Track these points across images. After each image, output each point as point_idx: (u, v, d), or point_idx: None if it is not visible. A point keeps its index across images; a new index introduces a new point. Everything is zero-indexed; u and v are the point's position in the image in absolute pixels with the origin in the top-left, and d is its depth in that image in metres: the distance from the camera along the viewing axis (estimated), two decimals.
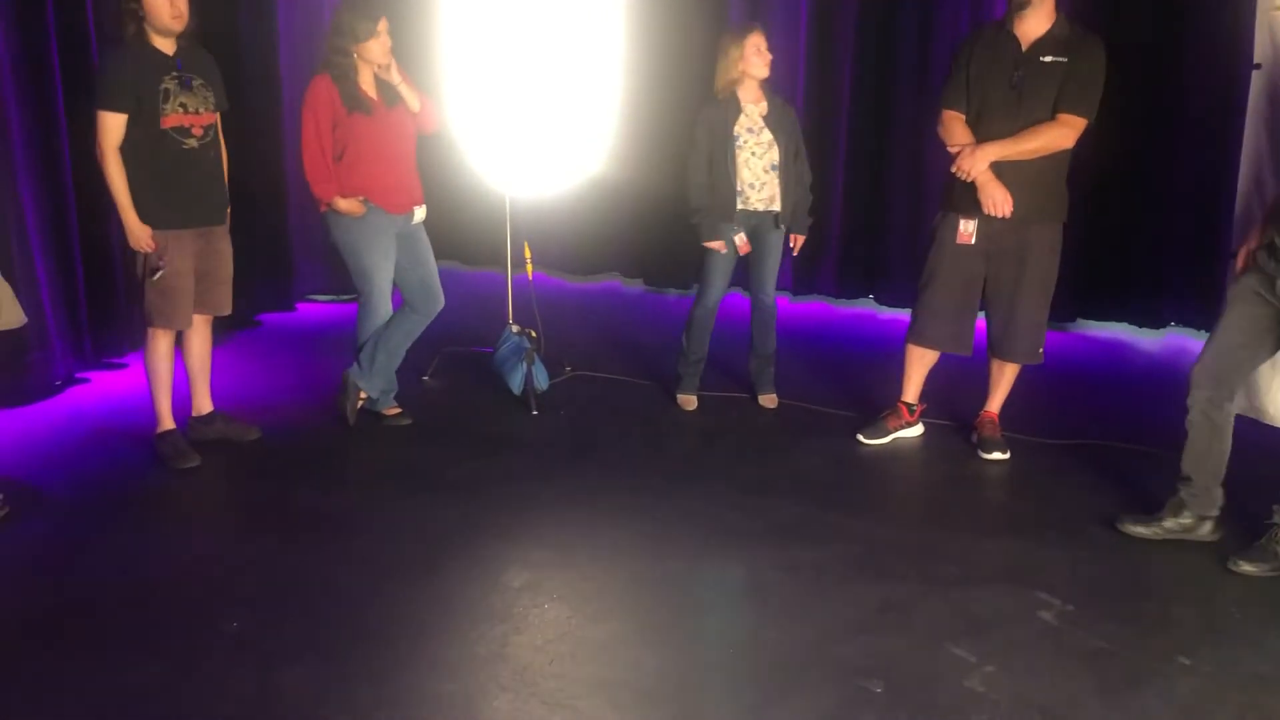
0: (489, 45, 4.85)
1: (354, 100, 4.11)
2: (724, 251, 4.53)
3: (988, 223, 4.02)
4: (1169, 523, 3.52)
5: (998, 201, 3.86)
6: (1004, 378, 4.29)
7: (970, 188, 4.00)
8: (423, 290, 4.41)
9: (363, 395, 4.43)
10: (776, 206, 4.52)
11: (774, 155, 4.47)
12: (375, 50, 4.12)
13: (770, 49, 4.46)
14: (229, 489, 4.02)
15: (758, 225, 4.57)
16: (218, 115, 4.01)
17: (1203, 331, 5.70)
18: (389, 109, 4.21)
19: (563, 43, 4.86)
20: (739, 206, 4.48)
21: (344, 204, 4.15)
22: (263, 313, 6.10)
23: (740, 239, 4.52)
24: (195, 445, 4.13)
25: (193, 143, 3.88)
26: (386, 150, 4.21)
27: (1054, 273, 4.11)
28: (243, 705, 2.63)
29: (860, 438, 4.42)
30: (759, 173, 4.48)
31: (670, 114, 6.08)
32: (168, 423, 4.11)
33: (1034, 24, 3.88)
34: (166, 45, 3.81)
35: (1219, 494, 3.47)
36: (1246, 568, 3.27)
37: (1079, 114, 3.83)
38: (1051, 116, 3.86)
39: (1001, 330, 4.16)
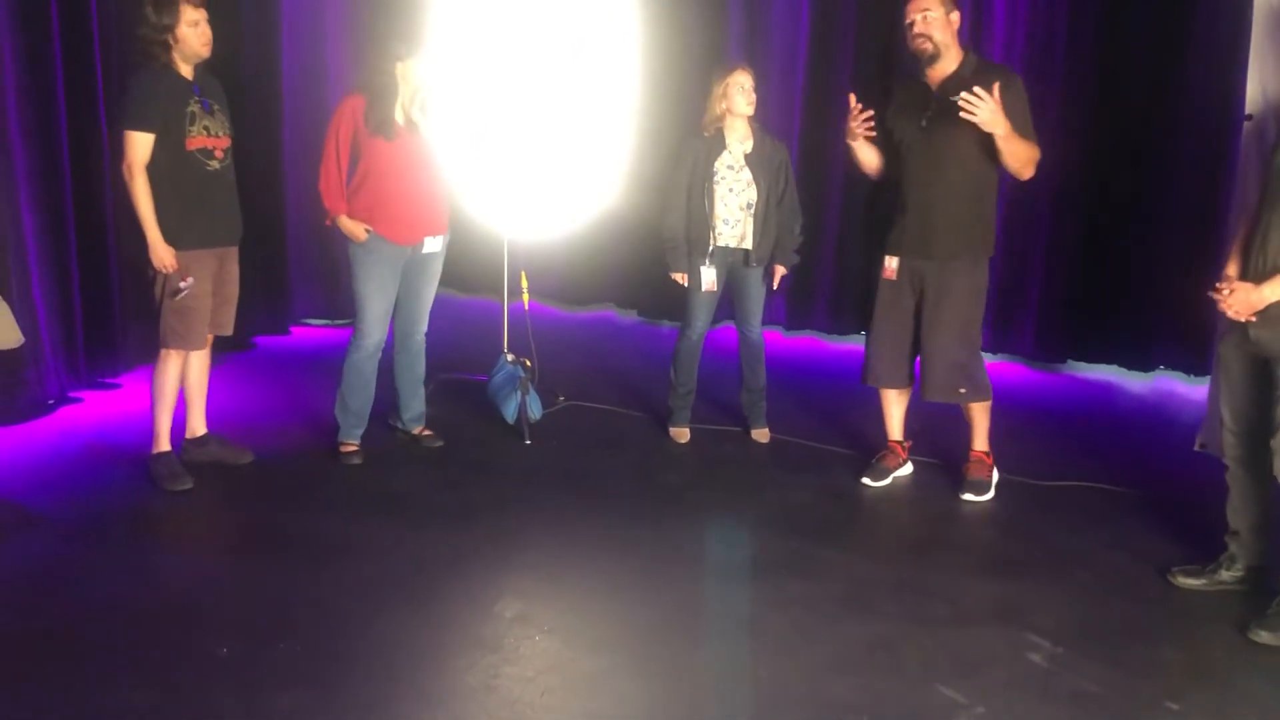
0: (487, 85, 4.90)
1: (379, 122, 4.15)
2: (685, 284, 4.60)
3: (911, 260, 4.12)
4: (1223, 574, 3.53)
5: None
6: (974, 415, 4.30)
7: (896, 227, 4.15)
8: (404, 319, 4.47)
9: (350, 446, 4.42)
10: (748, 244, 4.57)
11: (751, 195, 4.53)
12: (416, 70, 4.17)
13: (762, 88, 4.52)
14: (221, 512, 4.01)
15: (732, 262, 4.62)
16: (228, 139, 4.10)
17: (1191, 376, 5.76)
18: (413, 136, 4.24)
19: (561, 79, 4.91)
20: (711, 243, 4.53)
21: (348, 224, 4.19)
22: (257, 335, 6.10)
23: (709, 278, 4.56)
24: (188, 467, 4.12)
25: (215, 164, 3.97)
26: (401, 176, 4.23)
27: (975, 310, 4.15)
28: None
29: (865, 481, 4.41)
30: (734, 210, 4.54)
31: (666, 148, 6.12)
32: (165, 444, 4.12)
33: (941, 68, 4.01)
34: (188, 71, 3.92)
35: (1266, 545, 3.48)
36: (1265, 637, 3.20)
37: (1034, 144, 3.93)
38: (963, 152, 3.95)
39: (925, 366, 4.21)
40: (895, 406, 4.44)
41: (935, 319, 4.12)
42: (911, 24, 3.97)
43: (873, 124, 4.11)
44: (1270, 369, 3.24)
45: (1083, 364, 6.19)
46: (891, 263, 4.19)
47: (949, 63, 4.00)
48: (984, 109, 3.74)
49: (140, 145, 3.81)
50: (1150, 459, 4.72)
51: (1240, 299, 3.20)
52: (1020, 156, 3.89)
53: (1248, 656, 3.14)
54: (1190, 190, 5.64)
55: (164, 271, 3.90)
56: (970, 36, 6.01)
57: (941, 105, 3.95)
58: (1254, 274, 3.23)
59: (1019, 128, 3.86)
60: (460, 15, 4.95)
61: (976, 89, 3.76)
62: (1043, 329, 6.10)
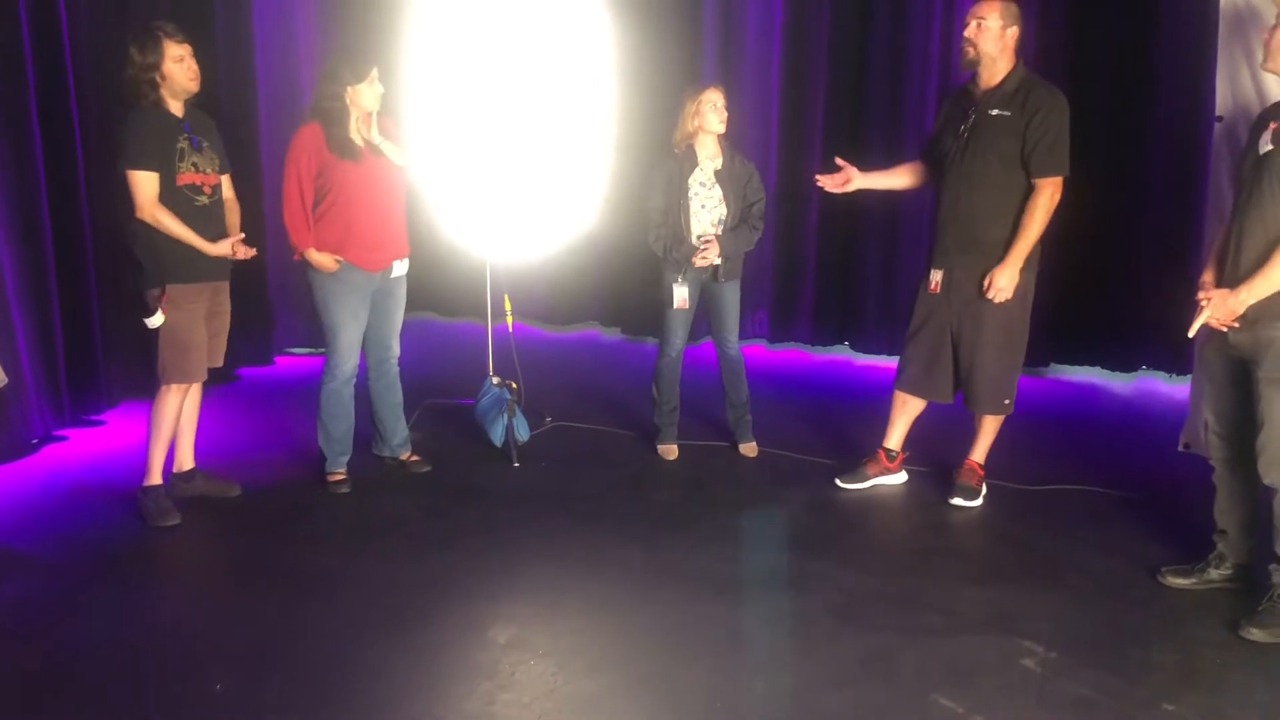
0: (464, 106, 4.91)
1: (342, 145, 4.15)
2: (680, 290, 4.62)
3: (952, 273, 4.12)
4: (1213, 573, 3.56)
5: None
6: (983, 426, 4.33)
7: (940, 239, 4.13)
8: (377, 345, 4.47)
9: (338, 475, 4.42)
10: (718, 261, 4.59)
11: (722, 211, 4.56)
12: (367, 96, 4.17)
13: (738, 107, 4.56)
14: (210, 547, 3.99)
15: (704, 279, 4.64)
16: (222, 177, 4.13)
17: (1172, 375, 5.81)
18: (375, 158, 4.25)
19: (538, 100, 4.93)
20: (685, 260, 4.56)
21: (317, 257, 4.18)
22: (241, 367, 6.08)
23: (681, 294, 4.58)
24: (175, 502, 4.11)
25: (204, 200, 4.01)
26: (370, 200, 4.23)
27: (1020, 323, 4.15)
28: None
29: (838, 482, 4.47)
30: (707, 226, 4.57)
31: (644, 165, 6.15)
32: (156, 477, 4.11)
33: (986, 79, 4.03)
34: (177, 108, 3.96)
35: (1253, 544, 3.50)
36: (1257, 634, 3.22)
37: (1049, 174, 3.92)
38: (999, 166, 3.97)
39: (965, 379, 4.23)
40: (904, 415, 4.44)
41: (979, 331, 4.12)
42: (966, 28, 4.01)
43: (845, 183, 4.29)
44: (1250, 371, 3.27)
45: (1066, 366, 6.24)
46: (936, 275, 4.18)
47: (995, 74, 4.02)
48: (999, 292, 3.95)
49: (146, 184, 3.85)
50: (1135, 460, 4.76)
51: (1220, 306, 3.23)
52: (1041, 226, 3.96)
53: (1240, 655, 3.16)
54: (1165, 192, 5.71)
55: (150, 302, 3.94)
56: (940, 47, 6.10)
57: (980, 119, 3.98)
58: (1230, 279, 3.27)
59: (1043, 150, 3.89)
60: (436, 38, 4.97)
61: (989, 284, 3.95)
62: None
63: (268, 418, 5.38)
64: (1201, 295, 3.32)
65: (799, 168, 6.47)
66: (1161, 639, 3.25)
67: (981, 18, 3.97)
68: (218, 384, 5.63)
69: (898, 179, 4.44)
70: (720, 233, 4.54)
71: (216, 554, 3.95)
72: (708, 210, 4.56)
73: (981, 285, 4.04)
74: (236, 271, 4.22)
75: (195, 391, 4.23)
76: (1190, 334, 3.33)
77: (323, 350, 4.38)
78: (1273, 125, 3.25)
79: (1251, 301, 3.18)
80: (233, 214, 4.19)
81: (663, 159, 4.63)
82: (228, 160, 4.18)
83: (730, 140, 4.64)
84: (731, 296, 4.71)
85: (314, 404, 4.41)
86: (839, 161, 4.33)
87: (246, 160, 5.98)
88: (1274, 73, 3.34)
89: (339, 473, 4.42)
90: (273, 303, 6.36)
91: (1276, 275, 3.13)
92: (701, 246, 4.51)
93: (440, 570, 3.67)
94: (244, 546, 3.92)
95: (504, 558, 3.79)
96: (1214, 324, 3.28)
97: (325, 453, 4.42)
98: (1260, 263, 3.17)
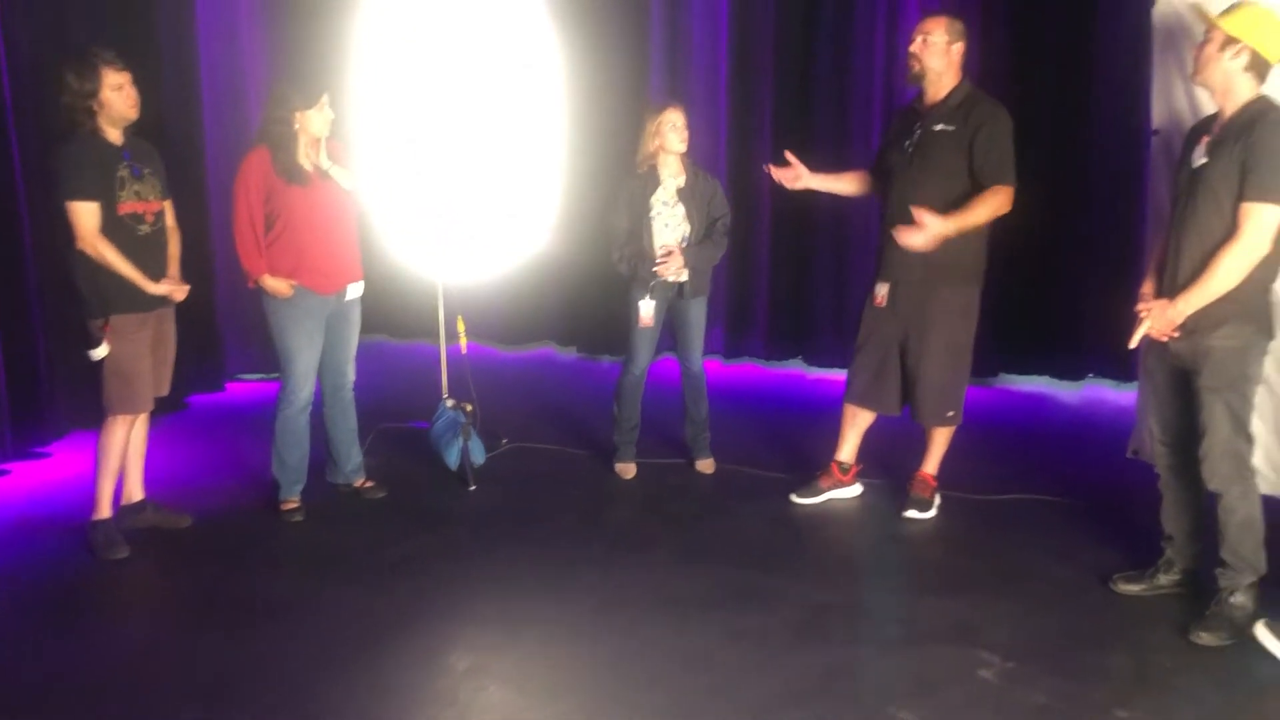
0: (414, 129, 4.90)
1: (290, 170, 4.11)
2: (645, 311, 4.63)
3: (897, 286, 4.17)
4: (1162, 579, 3.62)
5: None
6: (934, 438, 4.38)
7: (885, 252, 4.19)
8: (331, 370, 4.43)
9: (292, 503, 4.38)
10: (684, 277, 4.61)
11: (686, 229, 4.58)
12: (316, 121, 4.14)
13: (690, 123, 4.57)
14: (163, 579, 3.93)
15: (669, 296, 4.66)
16: (164, 203, 4.08)
17: (1119, 382, 5.91)
18: (324, 183, 4.22)
19: (487, 121, 4.93)
20: (651, 278, 4.58)
21: (271, 283, 4.14)
22: (191, 394, 6.00)
23: (648, 312, 4.59)
24: (125, 535, 4.04)
25: (146, 229, 3.96)
26: (322, 224, 4.20)
27: (964, 337, 4.21)
28: None
29: (793, 497, 4.50)
30: (670, 244, 4.58)
31: (597, 182, 6.18)
32: (106, 510, 4.05)
33: (932, 94, 4.10)
34: (116, 136, 3.90)
35: (1200, 549, 3.56)
36: (1206, 638, 3.29)
37: (1002, 182, 3.98)
38: (943, 180, 4.02)
39: (911, 392, 4.28)
40: (855, 428, 4.48)
41: (923, 345, 4.17)
42: (912, 44, 4.07)
43: (796, 179, 4.32)
44: (1191, 380, 3.34)
45: (1015, 376, 6.33)
46: (881, 289, 4.24)
47: (940, 89, 4.08)
48: (915, 239, 3.88)
49: (86, 214, 3.79)
50: (1085, 467, 4.84)
51: (1159, 317, 3.30)
52: (983, 219, 3.96)
53: (1190, 659, 3.22)
54: (1106, 203, 5.83)
55: (95, 332, 3.88)
56: (885, 62, 6.19)
57: (924, 135, 4.04)
58: (1169, 290, 3.34)
59: (992, 162, 3.94)
60: (384, 59, 4.97)
61: (919, 217, 3.86)
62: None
63: (219, 446, 5.31)
64: (1141, 306, 3.39)
65: (748, 184, 6.52)
66: (1115, 645, 3.30)
67: (927, 33, 4.04)
68: (167, 412, 5.55)
69: (845, 185, 4.48)
70: (684, 248, 4.57)
71: (169, 587, 3.89)
72: (671, 229, 4.57)
73: (928, 302, 4.10)
74: (186, 298, 4.17)
75: (142, 421, 4.18)
76: (1131, 345, 3.40)
77: (275, 375, 4.35)
78: (1205, 139, 3.33)
79: (1190, 311, 3.25)
80: (173, 242, 4.14)
81: (625, 178, 4.64)
82: (169, 187, 4.13)
83: (692, 158, 4.67)
84: (697, 313, 4.73)
85: (267, 431, 4.36)
86: (789, 156, 4.36)
87: (193, 185, 5.92)
88: (1204, 86, 3.42)
89: (293, 501, 4.37)
90: (222, 328, 6.28)
91: (1213, 285, 3.20)
92: (660, 260, 4.52)
93: (397, 597, 3.64)
94: (197, 578, 3.86)
95: (462, 583, 3.77)
96: (1154, 334, 3.35)
97: (279, 481, 4.37)
98: (1198, 273, 3.24)
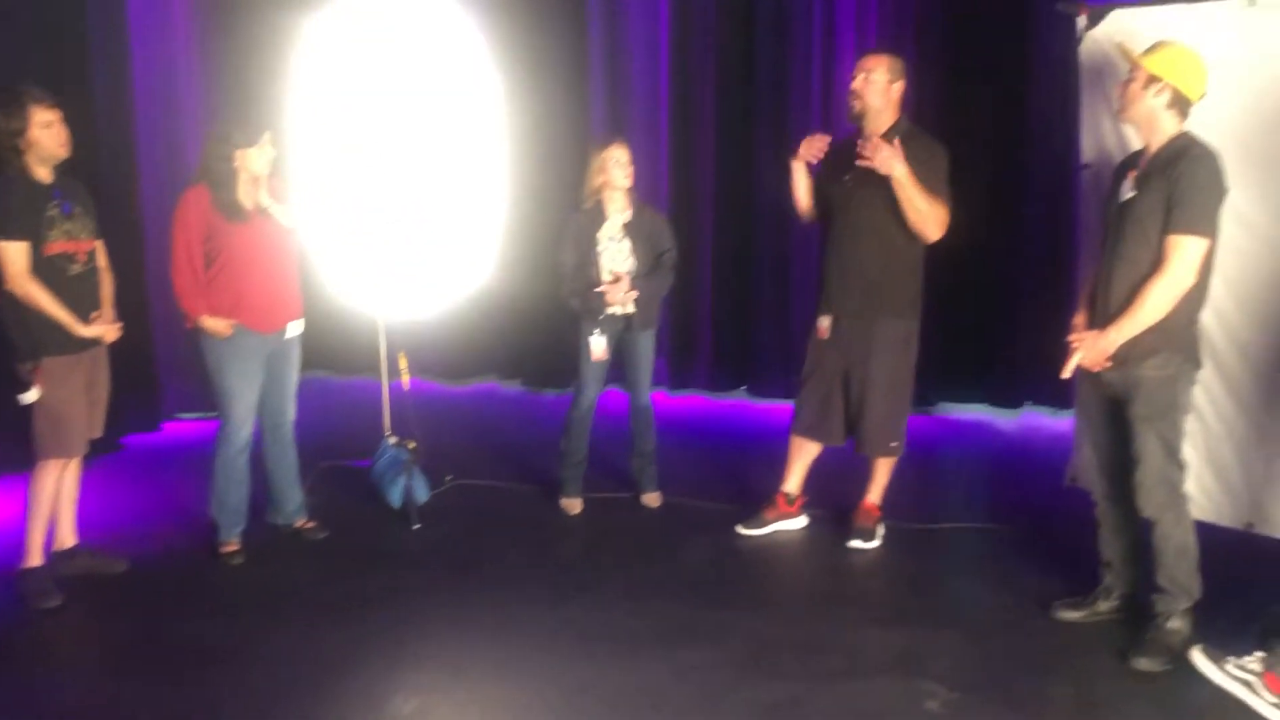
0: (352, 166, 4.87)
1: (230, 208, 4.07)
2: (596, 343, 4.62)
3: (840, 318, 4.24)
4: (1101, 605, 3.68)
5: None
6: (877, 468, 4.43)
7: (827, 285, 4.26)
8: (271, 409, 4.37)
9: (231, 546, 4.30)
10: (630, 308, 4.63)
11: (632, 263, 4.60)
12: (257, 159, 4.10)
13: (632, 158, 4.60)
14: (98, 627, 3.82)
15: (619, 330, 4.68)
16: (96, 243, 4.01)
17: (1057, 410, 6.02)
18: (264, 220, 4.18)
19: (425, 154, 4.91)
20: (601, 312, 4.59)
21: (210, 323, 4.08)
22: (126, 435, 5.87)
23: (599, 346, 4.60)
24: (58, 582, 3.93)
25: (77, 269, 3.89)
26: (261, 262, 4.16)
27: (906, 368, 4.28)
28: None
29: (739, 529, 4.51)
30: (619, 272, 4.59)
31: (539, 215, 6.20)
32: (37, 558, 3.94)
33: (871, 130, 4.15)
34: (45, 174, 3.82)
35: (1137, 574, 3.63)
36: (1144, 663, 3.34)
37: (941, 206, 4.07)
38: (883, 215, 4.07)
39: (854, 423, 4.33)
40: (801, 459, 4.51)
41: (866, 376, 4.22)
42: (854, 81, 4.12)
43: (819, 154, 4.24)
44: (1124, 408, 3.42)
45: (954, 404, 6.42)
46: (824, 321, 4.30)
47: (879, 126, 4.13)
48: (881, 153, 3.91)
49: (14, 254, 3.71)
50: (1025, 495, 4.91)
51: (1091, 347, 3.37)
52: (920, 209, 3.99)
53: (1130, 685, 3.27)
54: (1040, 235, 5.98)
55: (24, 376, 3.81)
56: (821, 96, 6.29)
57: (865, 169, 4.07)
58: (1100, 320, 3.42)
59: (928, 190, 4.00)
60: (322, 95, 4.93)
61: (874, 137, 3.90)
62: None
63: (155, 487, 5.20)
64: (1073, 337, 3.46)
65: (691, 217, 6.58)
66: (1057, 673, 3.34)
67: (869, 71, 4.11)
68: (101, 454, 5.41)
69: (804, 195, 4.44)
70: (631, 279, 4.58)
71: (104, 635, 3.78)
72: (617, 263, 4.58)
73: (869, 334, 4.17)
74: (120, 336, 4.09)
75: (75, 465, 4.08)
76: (1064, 375, 3.47)
77: (213, 414, 4.28)
78: (1132, 173, 3.42)
79: (1120, 341, 3.33)
80: (106, 283, 4.08)
81: (571, 215, 4.66)
82: (102, 226, 4.06)
83: (636, 191, 4.70)
84: (646, 347, 4.74)
85: (205, 471, 4.28)
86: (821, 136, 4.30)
87: (128, 223, 5.83)
88: (1130, 123, 3.52)
89: (233, 543, 4.29)
90: (159, 366, 6.17)
91: (1142, 316, 3.28)
92: (607, 286, 4.53)
93: (340, 640, 3.59)
94: (133, 625, 3.76)
95: (406, 625, 3.72)
96: (1086, 364, 3.42)
97: (219, 523, 4.29)
98: (1128, 304, 3.32)
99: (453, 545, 4.48)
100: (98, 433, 4.11)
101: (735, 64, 6.47)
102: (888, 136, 4.10)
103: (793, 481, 4.54)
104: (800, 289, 6.46)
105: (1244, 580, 3.69)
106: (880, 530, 4.42)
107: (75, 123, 3.90)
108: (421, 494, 4.76)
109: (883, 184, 4.04)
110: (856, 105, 4.14)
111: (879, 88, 4.11)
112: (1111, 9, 4.12)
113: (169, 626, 3.73)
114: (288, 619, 3.77)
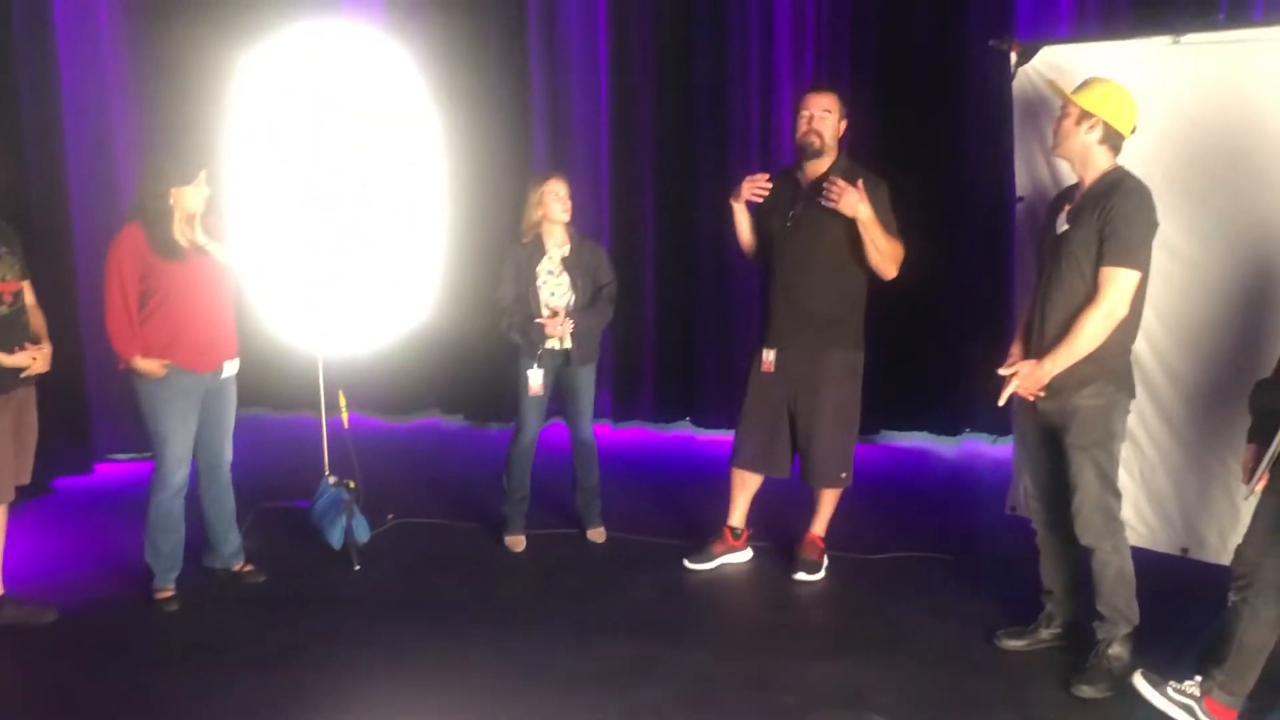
0: (290, 200, 4.82)
1: (165, 246, 3.99)
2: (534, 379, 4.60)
3: (786, 351, 4.26)
4: (1043, 633, 3.71)
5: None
6: (822, 499, 4.44)
7: (772, 319, 4.28)
8: (207, 451, 4.28)
9: (166, 592, 4.19)
10: (568, 342, 4.62)
11: (571, 297, 4.60)
12: (192, 197, 4.03)
13: (572, 192, 4.60)
14: (24, 680, 3.68)
15: (557, 364, 4.66)
16: (23, 282, 3.93)
17: (996, 438, 6.09)
18: (200, 258, 4.11)
19: (366, 191, 4.88)
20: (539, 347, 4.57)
21: (144, 365, 3.99)
22: (57, 478, 5.71)
23: (537, 381, 4.58)
24: None
25: (4, 309, 3.81)
26: (197, 300, 4.08)
27: (851, 399, 4.33)
28: None
29: (686, 563, 4.50)
30: (558, 306, 4.58)
31: (480, 250, 6.17)
32: None
33: (813, 168, 4.21)
34: None
35: (1078, 602, 3.67)
36: (1087, 691, 3.37)
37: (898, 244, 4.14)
38: (828, 249, 4.14)
39: (803, 454, 4.34)
40: (744, 492, 4.51)
41: (812, 408, 4.24)
42: (810, 118, 4.14)
43: (763, 192, 4.26)
44: (1060, 438, 3.47)
45: (895, 433, 6.47)
46: (769, 355, 4.31)
47: (822, 164, 4.18)
48: (848, 196, 3.95)
49: None
50: (966, 523, 4.96)
51: (1027, 377, 3.42)
52: (882, 248, 4.06)
53: (1074, 712, 3.30)
54: (978, 266, 6.07)
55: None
56: (760, 131, 6.36)
57: (809, 202, 4.12)
58: (1036, 350, 3.47)
59: (884, 228, 4.06)
60: (259, 133, 4.88)
61: (838, 180, 3.96)
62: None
63: (87, 531, 5.05)
64: (1008, 366, 3.51)
65: (633, 249, 6.60)
66: (1000, 702, 3.37)
67: (826, 109, 4.16)
68: (30, 497, 5.26)
69: (746, 232, 4.46)
70: (570, 313, 4.56)
71: (30, 688, 3.65)
72: (556, 297, 4.58)
73: (816, 366, 4.20)
74: (51, 374, 3.99)
75: (1, 512, 3.96)
76: (1000, 403, 3.51)
77: (147, 455, 4.18)
78: (1067, 206, 3.49)
79: (1056, 371, 3.38)
80: (35, 320, 3.98)
81: (510, 248, 4.64)
82: (30, 265, 3.97)
83: (576, 225, 4.69)
84: (586, 381, 4.72)
85: (139, 515, 4.17)
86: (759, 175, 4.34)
87: (59, 261, 5.71)
88: (1064, 158, 3.59)
89: (168, 590, 4.18)
90: (91, 407, 6.01)
91: (1077, 346, 3.34)
92: (546, 318, 4.51)
93: (280, 688, 3.50)
94: (60, 678, 3.64)
95: (349, 669, 3.64)
96: (1022, 393, 3.47)
97: (153, 569, 4.18)
98: (1063, 335, 3.38)
99: (394, 586, 4.41)
100: (25, 479, 4.01)
101: (675, 97, 6.52)
102: (829, 175, 4.14)
103: (737, 515, 4.54)
104: (740, 319, 6.49)
105: (1182, 605, 3.76)
106: (825, 562, 4.43)
107: (2, 160, 3.82)
108: (362, 534, 4.68)
109: (830, 220, 4.07)
110: (816, 143, 4.17)
111: (831, 125, 4.17)
112: (1042, 45, 4.22)
113: (99, 679, 3.61)
114: (226, 667, 3.68)
